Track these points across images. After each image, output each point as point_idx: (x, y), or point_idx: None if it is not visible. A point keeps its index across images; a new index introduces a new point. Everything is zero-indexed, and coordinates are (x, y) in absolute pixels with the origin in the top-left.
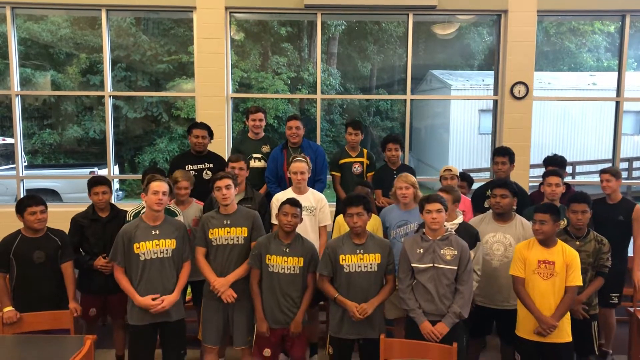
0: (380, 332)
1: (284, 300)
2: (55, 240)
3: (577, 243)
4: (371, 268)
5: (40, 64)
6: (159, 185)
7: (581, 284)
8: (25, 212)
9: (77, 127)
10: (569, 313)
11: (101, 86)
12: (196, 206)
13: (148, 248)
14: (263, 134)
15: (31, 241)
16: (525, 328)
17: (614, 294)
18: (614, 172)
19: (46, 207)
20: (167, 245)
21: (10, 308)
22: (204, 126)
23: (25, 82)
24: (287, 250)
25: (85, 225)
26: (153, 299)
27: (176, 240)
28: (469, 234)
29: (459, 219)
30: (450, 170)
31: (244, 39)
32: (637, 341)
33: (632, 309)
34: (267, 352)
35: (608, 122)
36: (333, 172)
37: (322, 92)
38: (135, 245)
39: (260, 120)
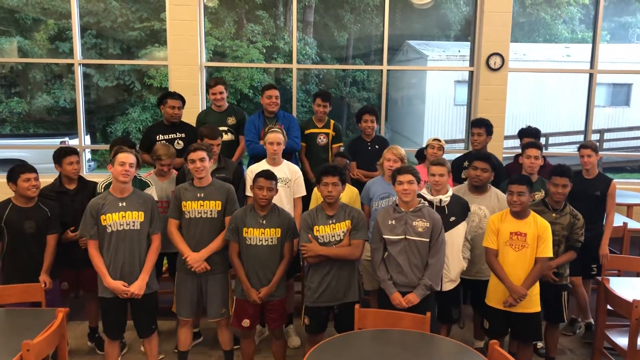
0: (356, 298)
1: (263, 272)
2: (46, 211)
3: (554, 215)
4: (340, 237)
5: (6, 29)
6: (126, 157)
7: (551, 255)
8: (19, 179)
9: (46, 96)
10: (538, 284)
11: (70, 54)
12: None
13: (114, 220)
14: (227, 104)
15: (22, 211)
16: (495, 297)
17: (594, 265)
18: (594, 147)
19: (38, 175)
20: (134, 218)
21: None
22: (179, 96)
23: None
24: (264, 222)
25: (52, 198)
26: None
27: (144, 213)
28: (461, 205)
29: (451, 191)
30: (438, 140)
31: (217, 6)
32: (604, 309)
33: (600, 278)
34: (245, 322)
35: (581, 94)
36: None
37: (298, 62)
38: (102, 217)
39: (221, 93)
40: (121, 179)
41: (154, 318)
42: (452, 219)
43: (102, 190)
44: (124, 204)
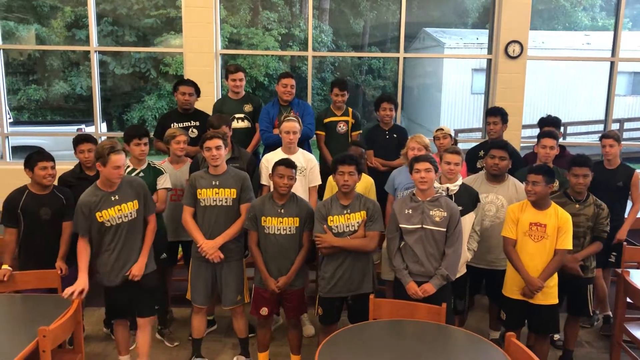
0: (370, 289)
1: (282, 261)
2: (61, 198)
3: (577, 206)
4: (354, 227)
5: (24, 17)
6: (120, 159)
7: (571, 247)
8: (36, 166)
9: (63, 83)
10: (556, 276)
11: (87, 41)
12: None
13: (111, 215)
14: (244, 92)
15: (38, 198)
16: (512, 288)
17: (613, 253)
18: (616, 137)
19: (55, 163)
20: (129, 209)
21: (5, 266)
22: (191, 83)
23: (8, 35)
24: (282, 211)
25: (73, 184)
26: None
27: (138, 201)
28: (469, 195)
29: (460, 181)
30: (442, 129)
31: None
32: (623, 301)
33: (619, 271)
34: (264, 310)
35: (601, 83)
36: (317, 132)
37: (314, 49)
38: (98, 214)
39: (241, 79)
40: (115, 181)
41: (156, 298)
42: (459, 208)
43: None
44: (117, 197)
